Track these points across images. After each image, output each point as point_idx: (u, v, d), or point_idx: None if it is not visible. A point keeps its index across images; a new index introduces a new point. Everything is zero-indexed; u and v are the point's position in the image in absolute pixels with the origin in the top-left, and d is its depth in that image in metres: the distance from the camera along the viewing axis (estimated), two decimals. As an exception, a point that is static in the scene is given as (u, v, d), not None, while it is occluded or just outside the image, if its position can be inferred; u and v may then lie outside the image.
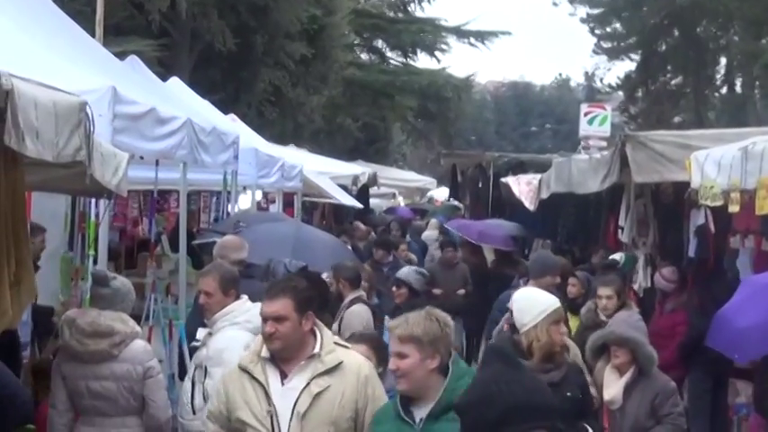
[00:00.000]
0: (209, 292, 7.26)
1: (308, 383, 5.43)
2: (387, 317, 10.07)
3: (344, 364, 5.49)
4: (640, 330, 8.28)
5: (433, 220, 26.00)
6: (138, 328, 7.24)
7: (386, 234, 21.32)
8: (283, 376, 5.49)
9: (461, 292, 15.81)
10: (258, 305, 7.14)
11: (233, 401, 5.53)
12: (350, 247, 16.14)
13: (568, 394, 6.54)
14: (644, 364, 7.91)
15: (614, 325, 8.44)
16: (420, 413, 5.11)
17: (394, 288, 11.07)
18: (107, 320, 6.96)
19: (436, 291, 14.37)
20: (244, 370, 5.56)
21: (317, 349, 5.51)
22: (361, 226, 22.01)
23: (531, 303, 6.82)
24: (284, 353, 5.47)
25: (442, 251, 17.14)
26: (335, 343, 5.65)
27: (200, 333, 7.41)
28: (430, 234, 23.81)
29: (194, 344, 7.62)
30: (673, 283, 10.99)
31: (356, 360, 5.63)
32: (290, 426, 5.40)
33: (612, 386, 7.86)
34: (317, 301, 5.80)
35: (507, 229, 18.48)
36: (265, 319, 5.46)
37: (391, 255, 15.67)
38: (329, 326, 9.70)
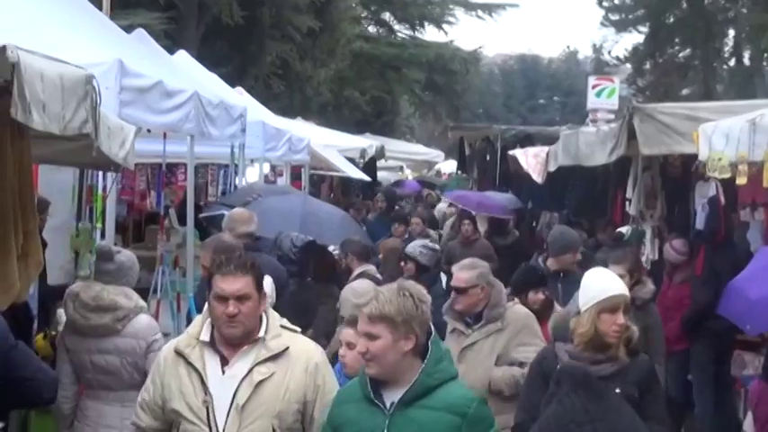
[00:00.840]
0: (205, 265, 7.29)
1: (250, 371, 4.96)
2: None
3: (291, 351, 5.01)
4: None
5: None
6: (142, 303, 7.21)
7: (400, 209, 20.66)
8: (224, 362, 5.02)
9: None
10: (265, 277, 7.19)
11: (168, 390, 5.08)
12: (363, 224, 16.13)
13: (617, 390, 5.67)
14: None
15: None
16: (391, 396, 4.65)
17: (402, 263, 10.99)
18: (110, 295, 6.95)
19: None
20: (180, 354, 5.08)
21: (261, 333, 5.02)
22: (380, 197, 21.63)
23: (587, 287, 6.23)
24: (241, 336, 4.98)
25: (459, 225, 16.22)
26: (282, 326, 5.15)
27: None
28: (441, 207, 23.76)
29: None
30: (683, 255, 10.97)
31: (305, 346, 5.13)
32: (227, 418, 4.94)
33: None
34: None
35: (503, 200, 19.47)
36: (225, 297, 4.92)
37: (408, 231, 14.94)
38: (337, 298, 9.79)
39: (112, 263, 7.13)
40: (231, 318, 4.91)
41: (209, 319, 5.09)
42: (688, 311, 10.44)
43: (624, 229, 12.67)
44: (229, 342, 4.99)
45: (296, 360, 5.01)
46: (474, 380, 6.95)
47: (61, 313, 7.58)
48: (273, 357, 4.98)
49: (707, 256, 10.48)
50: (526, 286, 8.44)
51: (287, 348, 4.99)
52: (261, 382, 4.94)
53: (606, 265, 7.77)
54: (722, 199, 10.05)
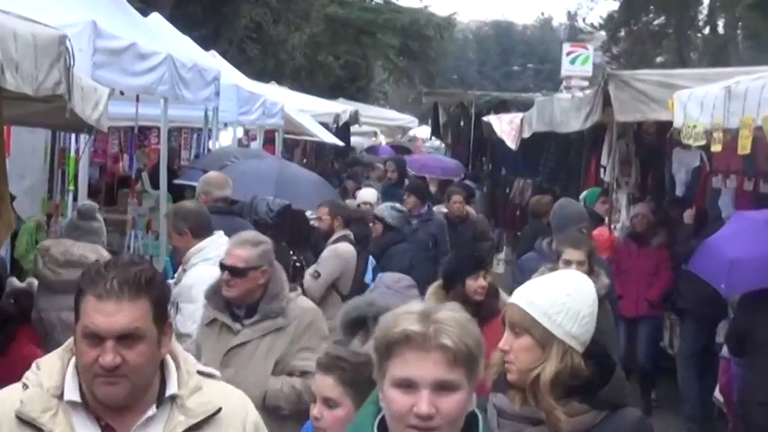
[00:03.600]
0: (169, 232, 7.30)
1: None
2: (371, 257, 10.06)
3: (224, 413, 3.23)
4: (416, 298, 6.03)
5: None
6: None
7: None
8: None
9: None
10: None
11: None
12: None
13: None
14: None
15: (378, 291, 6.60)
16: None
17: (371, 224, 11.03)
18: (80, 250, 6.95)
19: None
20: (28, 424, 3.07)
21: (173, 388, 3.17)
22: (379, 165, 21.38)
23: None
24: (128, 398, 3.08)
25: (448, 201, 13.80)
26: (201, 373, 3.31)
27: (179, 270, 7.43)
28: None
29: (169, 281, 7.64)
30: (647, 218, 11.07)
31: (237, 401, 3.36)
32: None
33: None
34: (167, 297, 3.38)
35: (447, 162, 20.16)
36: (100, 337, 3.02)
37: (426, 205, 12.83)
38: (310, 264, 9.78)
39: (97, 221, 7.13)
40: (110, 371, 3.01)
41: (73, 363, 3.17)
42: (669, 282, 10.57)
43: (583, 195, 12.76)
44: (110, 406, 3.10)
45: (229, 425, 3.26)
46: (246, 391, 4.46)
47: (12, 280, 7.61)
48: (199, 427, 3.18)
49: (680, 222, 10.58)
50: (461, 272, 6.50)
51: (218, 410, 3.21)
52: None
53: (561, 251, 7.35)
54: (708, 167, 10.13)
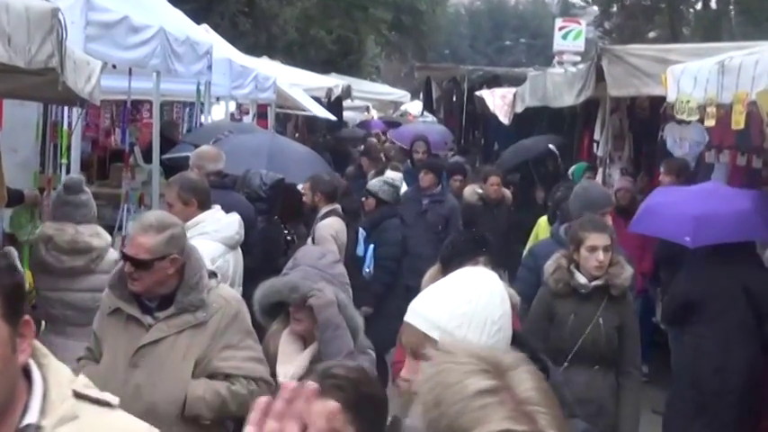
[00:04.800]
0: (170, 203, 7.24)
1: None
2: (361, 229, 10.07)
3: None
4: (338, 278, 5.28)
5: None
6: (109, 238, 7.24)
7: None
8: None
9: None
10: (231, 215, 7.17)
11: None
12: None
13: None
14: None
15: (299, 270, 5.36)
16: None
17: (363, 198, 11.02)
18: (84, 237, 6.95)
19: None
20: None
21: (32, 415, 2.37)
22: (374, 141, 21.19)
23: None
24: None
25: (484, 182, 13.15)
26: (78, 394, 2.48)
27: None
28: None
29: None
30: (630, 192, 11.11)
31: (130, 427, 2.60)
32: None
33: (290, 361, 5.01)
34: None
35: (434, 136, 19.33)
36: None
37: (440, 185, 12.28)
38: (304, 239, 9.78)
39: (84, 194, 7.11)
40: None
41: None
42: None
43: (571, 169, 12.76)
44: None
45: None
46: (161, 397, 4.79)
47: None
48: None
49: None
50: (459, 256, 5.96)
51: None
52: None
53: (583, 237, 6.63)
54: (707, 138, 10.20)
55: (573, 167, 13.03)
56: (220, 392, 4.89)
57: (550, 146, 15.18)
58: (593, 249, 6.53)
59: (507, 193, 13.26)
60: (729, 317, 7.68)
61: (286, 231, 9.71)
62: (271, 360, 5.05)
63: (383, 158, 17.48)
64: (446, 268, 5.75)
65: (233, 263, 7.07)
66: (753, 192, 8.61)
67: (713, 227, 7.78)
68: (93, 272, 6.95)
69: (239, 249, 7.29)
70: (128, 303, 4.94)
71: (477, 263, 5.65)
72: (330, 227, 9.55)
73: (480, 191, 12.82)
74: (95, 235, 7.01)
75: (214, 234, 6.98)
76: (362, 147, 20.60)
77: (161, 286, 4.92)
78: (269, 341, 5.19)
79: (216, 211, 7.21)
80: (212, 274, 5.21)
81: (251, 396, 4.68)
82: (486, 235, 6.50)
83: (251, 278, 8.37)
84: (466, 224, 11.72)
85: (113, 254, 7.13)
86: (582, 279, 6.61)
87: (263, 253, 8.69)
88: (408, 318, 3.06)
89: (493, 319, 2.99)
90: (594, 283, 6.59)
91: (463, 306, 2.99)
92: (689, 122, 10.00)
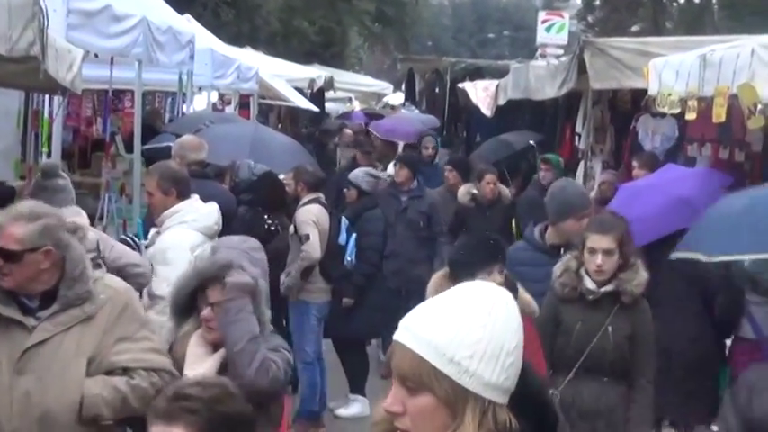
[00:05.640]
0: (150, 191, 7.23)
1: None
2: (344, 218, 10.07)
3: None
4: (260, 265, 5.11)
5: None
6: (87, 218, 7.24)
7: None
8: None
9: None
10: (209, 205, 7.18)
11: None
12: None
13: None
14: None
15: (221, 251, 5.19)
16: None
17: (345, 190, 11.00)
18: (68, 216, 6.94)
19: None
20: None
21: None
22: (348, 131, 21.13)
23: None
24: None
25: (479, 181, 12.05)
26: None
27: (152, 232, 7.42)
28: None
29: (144, 242, 7.66)
30: (613, 185, 11.14)
31: None
32: None
33: (198, 363, 4.66)
34: None
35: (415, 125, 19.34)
36: None
37: (416, 179, 11.63)
38: (287, 230, 9.78)
39: (62, 178, 7.09)
40: None
41: None
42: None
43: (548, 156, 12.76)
44: None
45: None
46: (54, 402, 4.37)
47: None
48: None
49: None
50: (472, 265, 5.40)
51: None
52: None
53: (585, 236, 6.18)
54: (676, 133, 10.23)
55: (550, 155, 12.95)
56: (119, 388, 4.45)
57: (531, 142, 15.18)
58: (592, 252, 6.08)
59: (505, 191, 12.21)
60: (672, 302, 7.71)
61: (270, 222, 9.69)
62: (179, 363, 4.66)
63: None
64: (456, 276, 5.21)
65: (210, 252, 7.07)
66: (695, 172, 8.87)
67: (648, 225, 7.73)
68: None
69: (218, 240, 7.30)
70: (4, 306, 4.38)
71: (492, 272, 5.36)
72: (309, 212, 9.55)
73: (475, 191, 11.80)
74: (77, 215, 7.00)
75: (192, 224, 7.00)
76: (337, 139, 20.50)
77: (34, 282, 4.40)
78: (177, 345, 4.82)
79: (194, 200, 7.21)
80: (97, 265, 4.82)
81: (153, 388, 4.41)
82: (500, 240, 5.91)
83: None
84: (452, 229, 11.36)
85: (92, 235, 7.13)
86: (590, 284, 6.13)
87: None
88: (402, 338, 2.46)
89: (509, 348, 2.43)
90: (604, 288, 6.11)
91: (477, 331, 2.40)
92: (663, 116, 10.06)
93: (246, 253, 4.91)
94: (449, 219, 11.62)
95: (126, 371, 4.49)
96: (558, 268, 6.26)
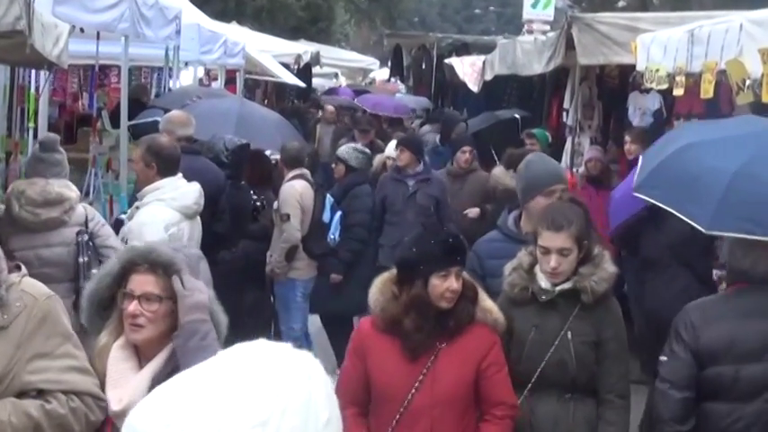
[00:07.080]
0: (135, 160, 7.27)
1: None
2: (329, 195, 10.06)
3: None
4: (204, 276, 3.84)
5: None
6: (78, 192, 7.24)
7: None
8: None
9: (473, 212, 10.96)
10: (192, 184, 7.17)
11: None
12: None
13: None
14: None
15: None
16: None
17: (333, 165, 10.96)
18: (56, 188, 6.92)
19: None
20: None
21: None
22: (329, 107, 20.93)
23: None
24: None
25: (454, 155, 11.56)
26: None
27: (132, 207, 7.43)
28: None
29: (121, 216, 7.68)
30: (600, 161, 11.14)
31: None
32: None
33: (122, 383, 3.58)
34: None
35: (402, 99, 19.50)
36: None
37: (421, 162, 10.79)
38: (270, 204, 9.76)
39: (59, 153, 7.09)
40: None
41: None
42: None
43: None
44: None
45: None
46: None
47: None
48: None
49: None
50: (424, 266, 4.74)
51: None
52: None
53: (538, 232, 5.20)
54: (664, 112, 10.20)
55: (536, 130, 12.95)
56: (31, 414, 3.76)
57: (516, 115, 15.20)
58: (545, 252, 5.10)
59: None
60: (659, 268, 8.15)
61: (255, 197, 9.68)
62: (98, 374, 3.81)
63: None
64: (404, 279, 4.78)
65: (188, 232, 7.09)
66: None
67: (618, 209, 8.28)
68: (66, 224, 6.92)
69: (198, 219, 7.32)
70: None
71: (448, 276, 4.71)
72: (293, 188, 9.54)
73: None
74: (65, 186, 6.99)
75: (171, 202, 7.01)
76: (319, 114, 20.54)
77: None
78: (95, 361, 3.80)
79: (177, 179, 7.21)
80: (16, 267, 4.04)
81: (74, 415, 3.81)
82: (460, 237, 5.01)
83: (221, 244, 8.39)
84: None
85: (81, 209, 7.13)
86: (543, 282, 5.15)
87: (231, 219, 8.69)
88: None
89: None
90: (560, 287, 5.13)
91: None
92: (649, 92, 10.07)
93: (179, 250, 3.79)
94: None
95: (41, 393, 3.82)
96: (508, 266, 5.29)
